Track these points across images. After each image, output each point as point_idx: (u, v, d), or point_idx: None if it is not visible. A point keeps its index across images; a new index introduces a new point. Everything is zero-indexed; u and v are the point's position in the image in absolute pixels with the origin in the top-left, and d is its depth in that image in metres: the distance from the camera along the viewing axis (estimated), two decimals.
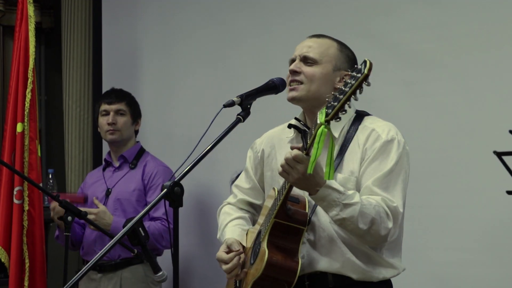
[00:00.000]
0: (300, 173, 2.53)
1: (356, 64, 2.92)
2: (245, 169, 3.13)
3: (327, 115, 2.37)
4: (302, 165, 2.51)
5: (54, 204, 4.17)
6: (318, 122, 2.40)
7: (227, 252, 2.88)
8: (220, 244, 2.99)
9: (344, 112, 2.37)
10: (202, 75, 4.93)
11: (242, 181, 3.14)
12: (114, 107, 4.55)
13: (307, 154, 2.51)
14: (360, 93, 2.32)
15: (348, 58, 2.90)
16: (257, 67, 4.54)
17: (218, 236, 3.09)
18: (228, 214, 3.09)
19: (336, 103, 2.35)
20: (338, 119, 2.38)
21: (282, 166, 2.56)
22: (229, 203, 3.15)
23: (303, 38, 2.95)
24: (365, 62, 2.31)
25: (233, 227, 3.02)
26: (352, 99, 2.34)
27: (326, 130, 2.39)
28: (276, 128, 3.08)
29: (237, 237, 2.95)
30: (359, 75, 2.30)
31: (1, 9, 5.93)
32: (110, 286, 4.40)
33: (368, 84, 2.31)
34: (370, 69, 2.29)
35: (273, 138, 3.04)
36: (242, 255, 2.88)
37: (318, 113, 2.42)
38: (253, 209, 3.13)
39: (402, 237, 2.87)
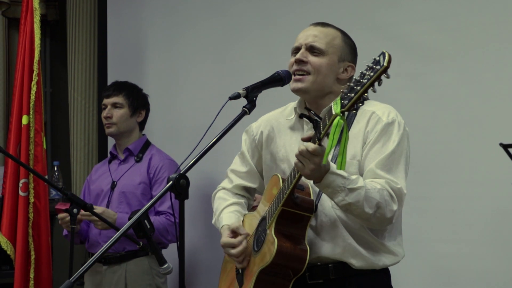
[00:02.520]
0: (316, 164, 2.53)
1: (356, 54, 2.93)
2: (240, 152, 3.13)
3: (343, 106, 2.36)
4: (319, 157, 2.52)
5: (63, 215, 4.15)
6: (334, 113, 2.39)
7: (233, 237, 2.88)
8: (216, 229, 2.99)
9: (361, 104, 2.36)
10: (207, 67, 4.93)
11: (238, 165, 3.13)
12: (110, 100, 4.55)
13: (320, 144, 2.51)
14: (379, 85, 2.30)
15: (351, 48, 2.91)
16: (262, 59, 4.53)
17: (213, 221, 3.10)
18: (224, 200, 3.09)
19: (353, 95, 2.33)
20: (354, 111, 2.38)
21: (297, 157, 2.56)
22: (224, 188, 3.15)
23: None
24: (383, 54, 2.29)
25: (230, 213, 3.02)
26: (370, 90, 2.32)
27: (342, 121, 2.37)
28: (274, 112, 3.08)
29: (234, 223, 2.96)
30: (378, 67, 2.28)
31: (6, 2, 5.93)
32: (115, 278, 4.40)
33: (388, 76, 2.29)
34: (389, 62, 2.27)
35: (271, 121, 3.03)
36: (248, 238, 2.89)
37: (333, 104, 2.40)
38: (248, 193, 3.14)
39: (401, 219, 2.88)
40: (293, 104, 2.98)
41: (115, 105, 4.54)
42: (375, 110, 2.81)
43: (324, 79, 2.83)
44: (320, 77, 2.83)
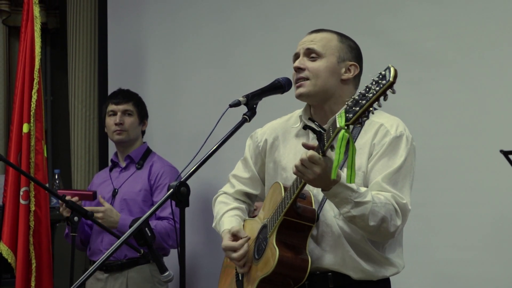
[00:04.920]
0: (316, 174, 2.52)
1: (360, 53, 2.93)
2: (243, 158, 3.12)
3: (347, 119, 2.34)
4: (318, 166, 2.51)
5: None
6: (338, 126, 2.37)
7: (234, 240, 2.88)
8: (216, 236, 2.99)
9: (366, 118, 2.34)
10: (208, 74, 4.93)
11: (240, 170, 3.13)
12: (121, 107, 4.56)
13: (324, 155, 2.51)
14: (385, 99, 2.28)
15: (350, 48, 2.90)
16: (263, 66, 4.54)
17: (213, 225, 3.09)
18: (225, 204, 3.09)
19: (358, 108, 2.31)
20: (359, 125, 2.37)
21: (296, 166, 2.56)
22: (225, 193, 3.15)
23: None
24: (389, 68, 2.26)
25: (231, 218, 3.02)
26: (375, 105, 2.30)
27: (347, 134, 2.36)
28: (279, 119, 3.08)
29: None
30: (383, 81, 2.26)
31: (7, 10, 5.95)
32: (117, 286, 4.40)
33: (394, 92, 2.27)
34: (395, 77, 2.24)
35: (276, 129, 3.03)
36: (250, 241, 2.89)
37: (337, 116, 2.39)
38: (249, 199, 3.13)
39: (402, 232, 2.87)
40: (298, 112, 2.98)
41: (126, 112, 4.56)
42: (384, 123, 2.80)
43: (325, 81, 2.83)
44: (320, 80, 2.82)
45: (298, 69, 2.85)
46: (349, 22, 4.10)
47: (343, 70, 2.86)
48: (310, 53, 2.85)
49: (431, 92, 3.86)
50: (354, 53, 2.90)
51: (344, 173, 2.51)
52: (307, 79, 2.83)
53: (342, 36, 2.92)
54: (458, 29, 3.79)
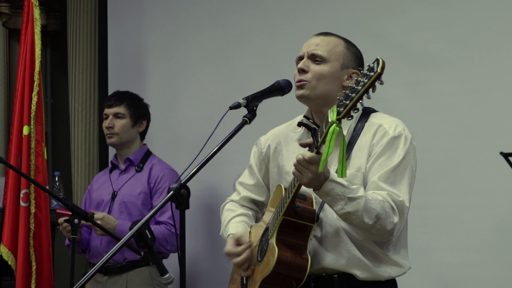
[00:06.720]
0: (314, 173, 2.53)
1: (363, 62, 2.93)
2: (249, 165, 3.14)
3: (338, 113, 2.37)
4: (316, 165, 2.52)
5: (62, 221, 4.17)
6: (329, 120, 2.40)
7: (237, 246, 2.89)
8: (223, 241, 3.00)
9: (356, 111, 2.36)
10: (208, 76, 4.93)
11: (246, 177, 3.14)
12: (112, 110, 4.56)
13: (318, 152, 2.52)
14: (373, 91, 2.31)
15: (355, 56, 2.91)
16: (263, 68, 4.54)
17: (221, 232, 3.11)
18: (232, 211, 3.10)
19: (348, 102, 2.34)
20: (350, 118, 2.38)
21: (295, 166, 2.57)
22: (232, 200, 3.16)
23: (309, 38, 2.95)
24: (377, 60, 2.30)
25: (237, 224, 3.03)
26: (364, 97, 2.33)
27: (337, 128, 2.38)
28: (282, 126, 3.09)
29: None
30: (372, 73, 2.29)
31: (7, 12, 5.95)
32: None
33: (381, 83, 2.30)
34: (383, 68, 2.28)
35: (279, 134, 3.04)
36: (252, 247, 2.89)
37: (329, 111, 2.41)
38: (256, 206, 3.14)
39: (406, 234, 2.88)
40: (300, 117, 2.99)
41: (116, 115, 4.55)
42: (383, 123, 2.81)
43: (326, 86, 2.83)
44: (321, 84, 2.83)
45: (301, 71, 2.86)
46: (349, 24, 4.10)
47: (345, 77, 2.86)
48: (315, 57, 2.86)
49: (431, 94, 3.86)
50: (358, 61, 2.91)
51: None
52: (307, 82, 2.84)
53: (349, 43, 2.93)
54: (458, 32, 3.79)
